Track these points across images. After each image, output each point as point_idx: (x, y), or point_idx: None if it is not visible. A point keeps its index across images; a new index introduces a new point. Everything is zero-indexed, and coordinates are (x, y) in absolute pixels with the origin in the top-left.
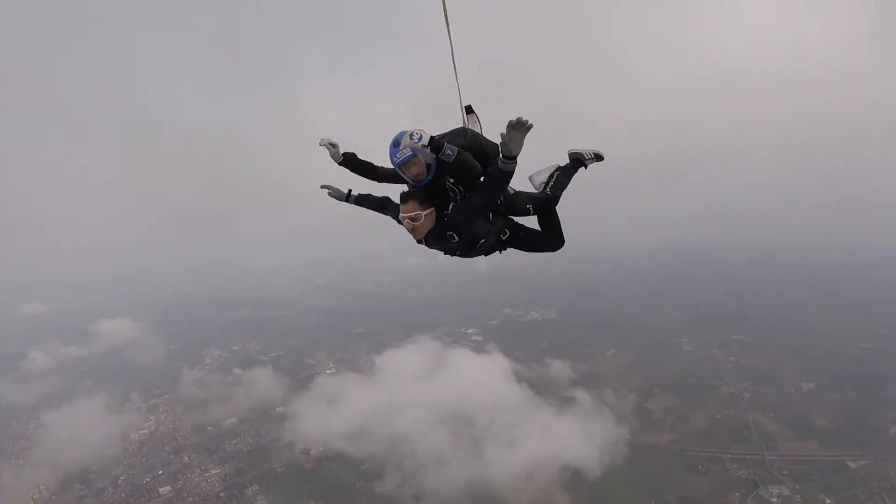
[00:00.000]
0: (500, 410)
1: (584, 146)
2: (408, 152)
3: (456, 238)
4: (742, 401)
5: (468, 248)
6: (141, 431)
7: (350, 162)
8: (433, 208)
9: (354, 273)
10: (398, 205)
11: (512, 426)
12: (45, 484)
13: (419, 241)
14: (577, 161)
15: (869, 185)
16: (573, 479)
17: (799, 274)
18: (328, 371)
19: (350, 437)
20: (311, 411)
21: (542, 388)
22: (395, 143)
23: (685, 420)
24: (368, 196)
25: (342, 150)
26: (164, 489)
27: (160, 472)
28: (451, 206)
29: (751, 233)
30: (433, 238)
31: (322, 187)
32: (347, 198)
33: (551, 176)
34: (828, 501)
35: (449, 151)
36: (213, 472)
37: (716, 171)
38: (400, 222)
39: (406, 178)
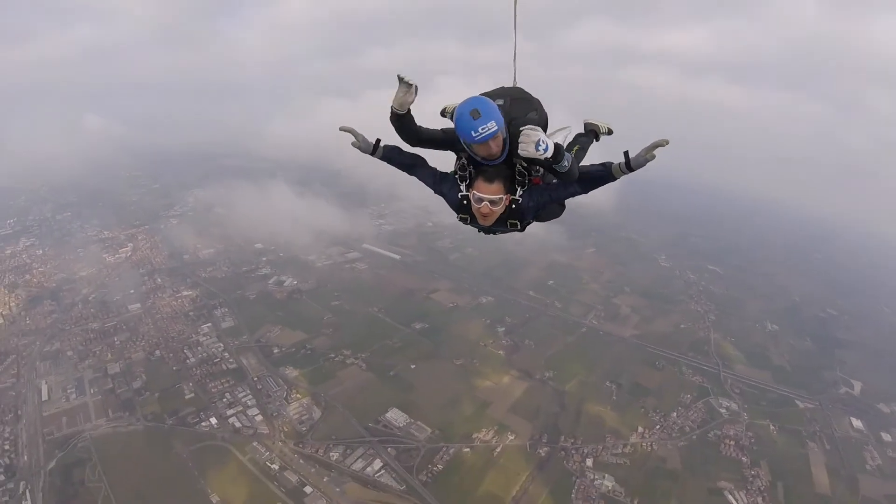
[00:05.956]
0: None
1: (600, 119)
2: (493, 128)
3: (519, 225)
4: (707, 320)
5: (511, 230)
6: (117, 256)
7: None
8: (509, 193)
9: None
10: (434, 168)
11: None
12: (16, 301)
13: (463, 219)
14: (592, 133)
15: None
16: None
17: (786, 235)
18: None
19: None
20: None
21: None
22: (473, 115)
23: (649, 321)
24: (399, 151)
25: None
26: (134, 306)
27: (131, 291)
28: (520, 192)
29: (754, 185)
30: (496, 223)
31: (342, 130)
32: (374, 150)
33: (571, 146)
34: (772, 427)
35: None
36: (185, 294)
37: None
38: (440, 193)
39: (474, 154)
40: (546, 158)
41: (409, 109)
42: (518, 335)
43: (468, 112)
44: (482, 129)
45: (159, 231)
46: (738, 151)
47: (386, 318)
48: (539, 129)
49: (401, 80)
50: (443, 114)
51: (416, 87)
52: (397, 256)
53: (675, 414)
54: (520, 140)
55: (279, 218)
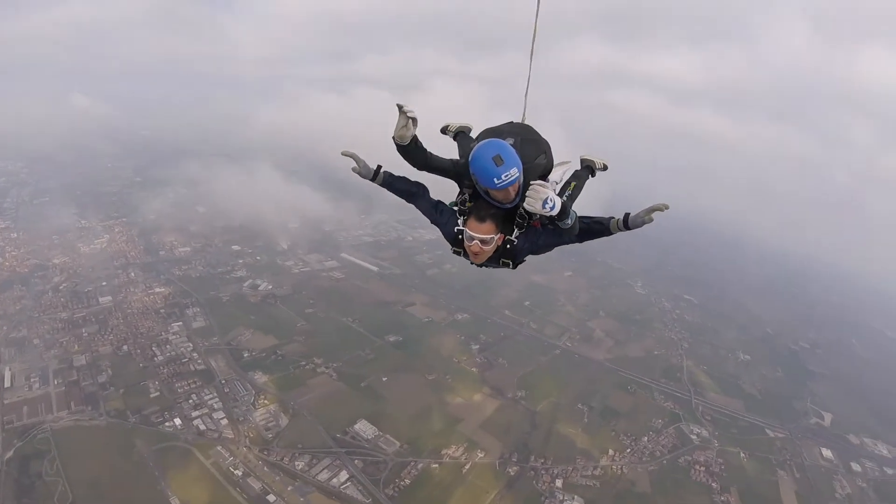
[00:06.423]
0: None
1: (596, 156)
2: (515, 175)
3: (511, 265)
4: (680, 347)
5: (502, 267)
6: (92, 246)
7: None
8: (503, 234)
9: None
10: (432, 199)
11: None
12: None
13: (456, 251)
14: (588, 169)
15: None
16: None
17: (762, 267)
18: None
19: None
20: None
21: None
22: (496, 161)
23: (623, 345)
24: (401, 179)
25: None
26: (105, 299)
27: (104, 283)
28: (517, 234)
29: (735, 215)
30: (488, 260)
31: (344, 154)
32: (374, 176)
33: (568, 183)
34: (742, 455)
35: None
36: (158, 290)
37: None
38: (437, 223)
39: (490, 198)
40: (554, 215)
41: (412, 141)
42: (492, 353)
43: (490, 157)
44: (505, 177)
45: (137, 224)
46: (721, 181)
47: (360, 329)
48: (548, 186)
49: (400, 110)
50: (443, 131)
51: (415, 119)
52: (375, 268)
53: (646, 438)
54: (527, 194)
55: (260, 221)
